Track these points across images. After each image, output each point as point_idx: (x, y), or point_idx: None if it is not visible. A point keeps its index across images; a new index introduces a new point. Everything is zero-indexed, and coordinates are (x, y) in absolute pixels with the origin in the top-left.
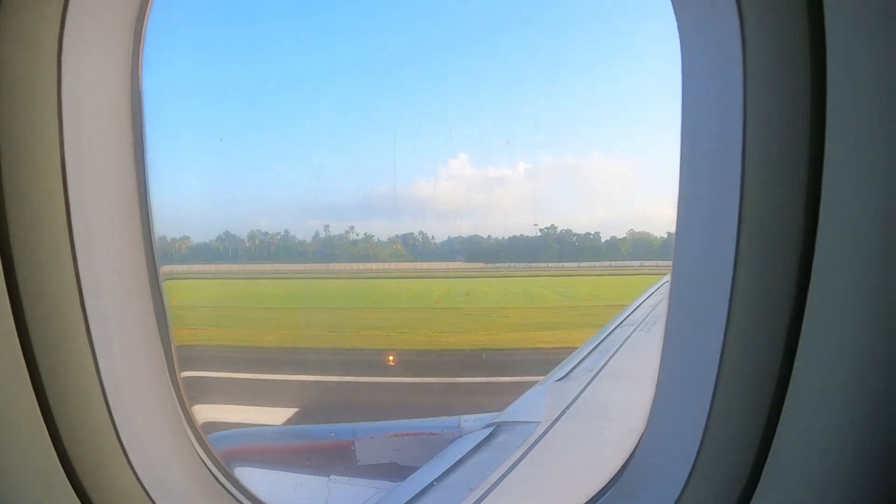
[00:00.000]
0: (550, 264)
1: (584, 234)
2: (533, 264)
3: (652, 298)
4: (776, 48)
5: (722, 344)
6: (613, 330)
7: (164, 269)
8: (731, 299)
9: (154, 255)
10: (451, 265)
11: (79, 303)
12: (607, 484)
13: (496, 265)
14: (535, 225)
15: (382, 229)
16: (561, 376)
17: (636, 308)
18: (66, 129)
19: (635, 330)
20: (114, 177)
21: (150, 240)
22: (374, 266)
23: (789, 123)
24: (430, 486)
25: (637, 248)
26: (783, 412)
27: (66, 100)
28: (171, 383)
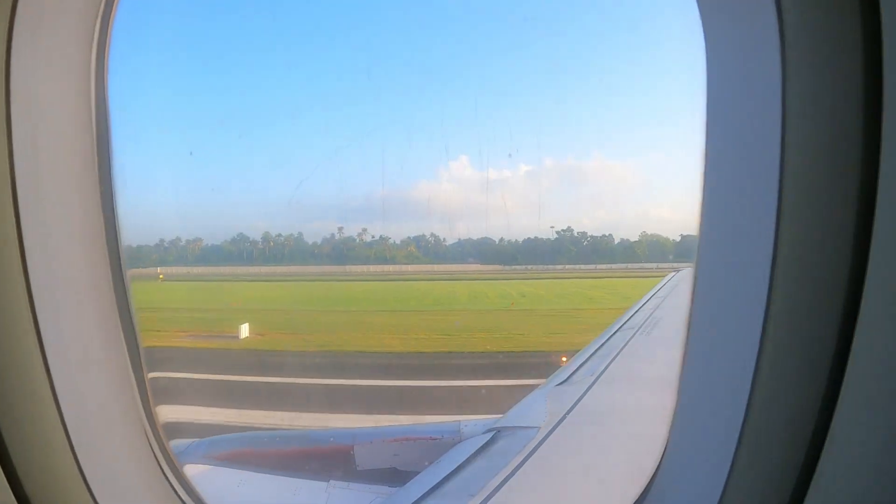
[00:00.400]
0: (568, 266)
1: (600, 237)
2: (550, 266)
3: (651, 301)
4: (821, 32)
5: (759, 345)
6: (614, 333)
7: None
8: (769, 294)
9: (120, 257)
10: (469, 267)
11: (28, 305)
12: (639, 497)
13: (513, 267)
14: (552, 227)
15: (391, 231)
16: (561, 381)
17: (636, 311)
18: (14, 133)
19: (636, 333)
20: (71, 180)
21: (116, 242)
22: (391, 268)
23: (837, 116)
24: (430, 491)
25: (651, 249)
26: (834, 420)
27: (16, 101)
28: (133, 384)
